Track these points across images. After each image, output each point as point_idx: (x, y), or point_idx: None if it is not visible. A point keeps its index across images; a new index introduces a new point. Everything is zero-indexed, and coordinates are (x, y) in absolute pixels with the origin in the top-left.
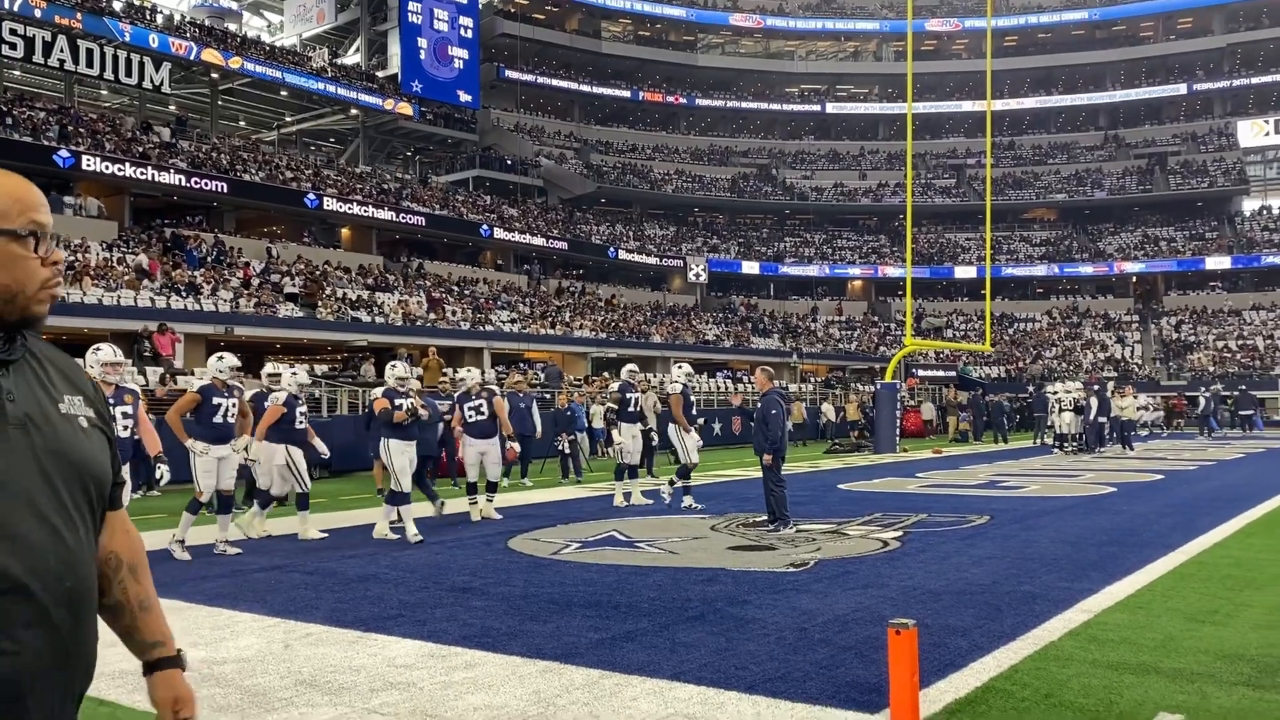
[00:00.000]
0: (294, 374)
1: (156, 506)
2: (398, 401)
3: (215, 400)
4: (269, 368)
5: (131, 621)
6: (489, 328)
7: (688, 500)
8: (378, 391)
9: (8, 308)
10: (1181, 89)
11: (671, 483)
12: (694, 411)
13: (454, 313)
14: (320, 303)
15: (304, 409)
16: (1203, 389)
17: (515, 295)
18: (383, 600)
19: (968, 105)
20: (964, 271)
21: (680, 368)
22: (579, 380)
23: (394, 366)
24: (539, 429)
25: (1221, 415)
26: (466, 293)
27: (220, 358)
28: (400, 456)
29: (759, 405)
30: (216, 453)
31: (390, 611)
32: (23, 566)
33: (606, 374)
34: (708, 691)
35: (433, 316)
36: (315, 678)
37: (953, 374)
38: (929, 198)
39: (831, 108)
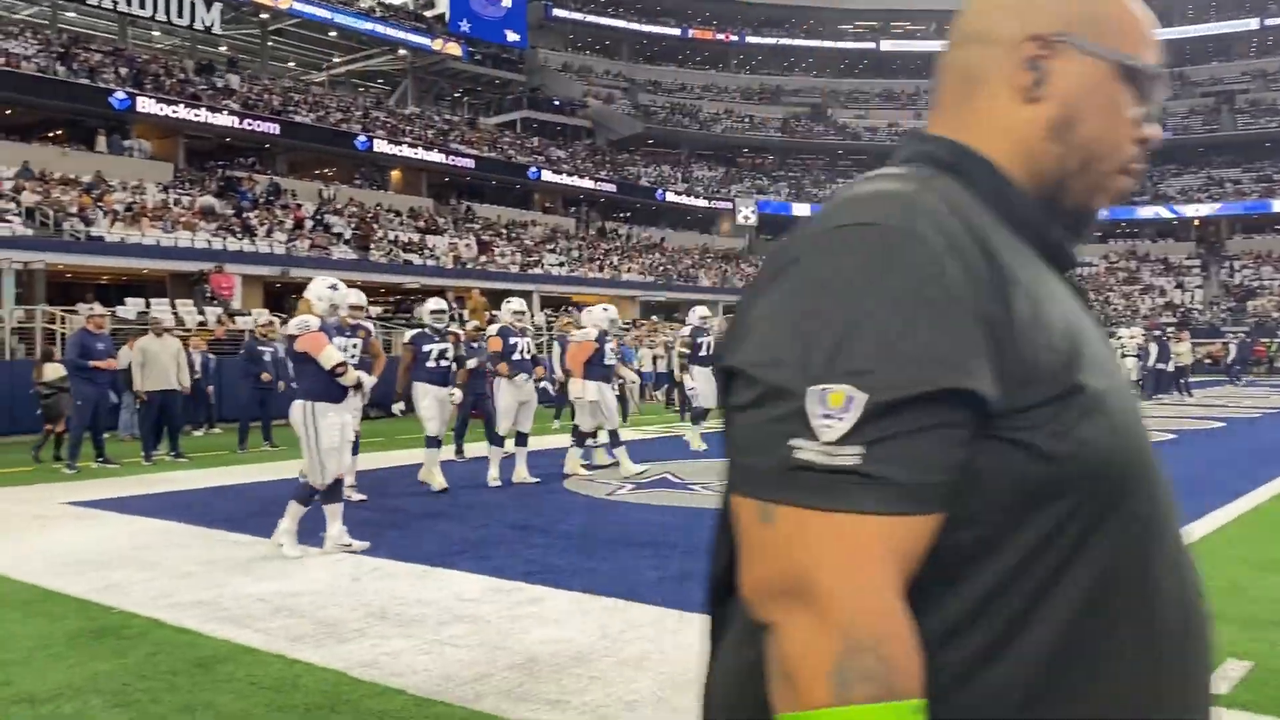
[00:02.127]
0: (605, 310)
1: (219, 444)
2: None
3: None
4: (515, 304)
5: None
6: (538, 271)
7: None
8: (493, 329)
9: (1073, 181)
10: (1253, 24)
11: None
12: None
13: (503, 255)
14: (372, 245)
15: (612, 345)
16: (1231, 336)
17: (563, 238)
18: (446, 536)
19: None
20: None
21: None
22: (628, 324)
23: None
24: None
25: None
26: (515, 235)
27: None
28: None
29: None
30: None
31: (454, 548)
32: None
33: (655, 317)
34: None
35: (483, 259)
36: (385, 610)
37: None
38: None
39: (886, 45)
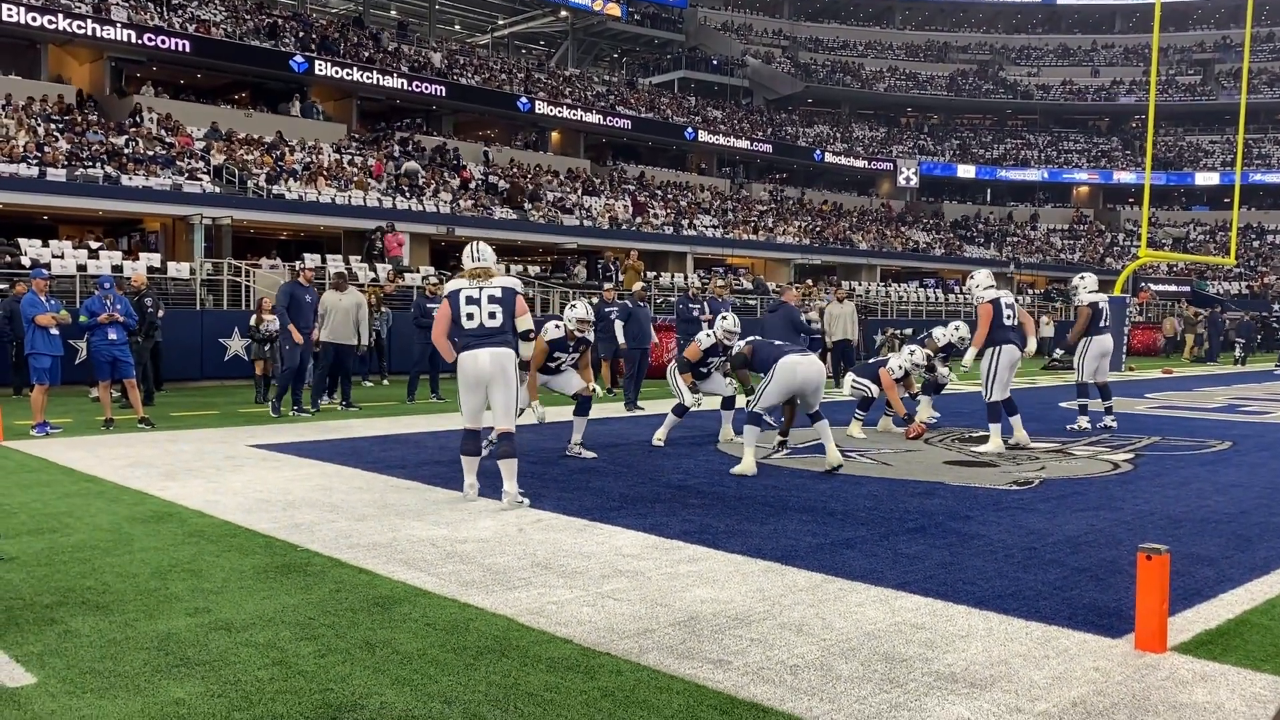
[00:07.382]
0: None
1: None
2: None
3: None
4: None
5: None
6: (692, 232)
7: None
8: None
9: None
10: None
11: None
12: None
13: (657, 216)
14: (532, 205)
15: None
16: None
17: (718, 199)
18: (604, 493)
19: None
20: (1204, 178)
21: (1083, 278)
22: (780, 288)
23: (573, 307)
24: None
25: None
26: (670, 196)
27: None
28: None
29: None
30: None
31: (612, 504)
32: None
33: (809, 280)
34: (935, 603)
35: (638, 220)
36: (550, 561)
37: (1186, 289)
38: (1170, 96)
39: None
